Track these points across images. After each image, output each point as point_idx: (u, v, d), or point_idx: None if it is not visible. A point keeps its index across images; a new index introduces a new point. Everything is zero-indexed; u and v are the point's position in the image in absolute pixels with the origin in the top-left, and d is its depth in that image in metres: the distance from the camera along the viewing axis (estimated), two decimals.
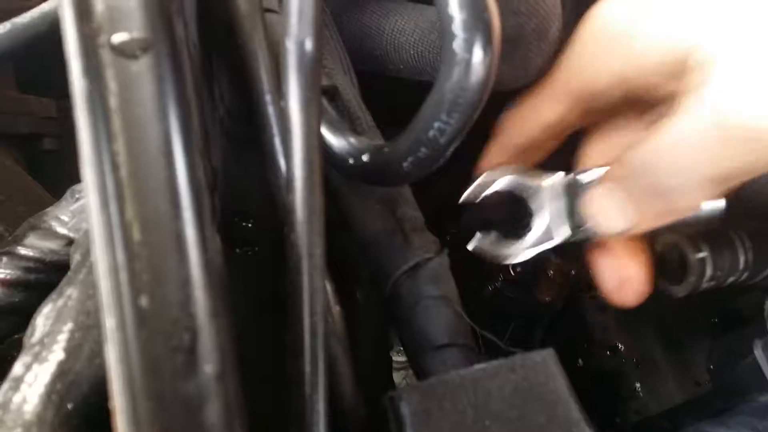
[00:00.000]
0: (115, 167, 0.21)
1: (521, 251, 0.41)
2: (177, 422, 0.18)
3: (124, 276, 0.20)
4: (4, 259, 0.41)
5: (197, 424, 0.19)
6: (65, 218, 0.40)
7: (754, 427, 0.37)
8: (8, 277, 0.40)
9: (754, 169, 0.32)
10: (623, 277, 0.41)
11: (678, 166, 0.34)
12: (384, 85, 0.48)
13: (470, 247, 0.41)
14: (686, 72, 0.34)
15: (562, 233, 0.40)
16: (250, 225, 0.42)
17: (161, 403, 0.18)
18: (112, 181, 0.21)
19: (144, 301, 0.19)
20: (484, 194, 0.41)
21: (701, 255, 0.42)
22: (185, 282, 0.20)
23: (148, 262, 0.20)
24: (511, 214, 0.42)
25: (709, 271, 0.42)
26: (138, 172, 0.21)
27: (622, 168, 0.36)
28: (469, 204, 0.41)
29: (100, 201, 0.20)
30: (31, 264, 0.40)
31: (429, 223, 0.41)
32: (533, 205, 0.40)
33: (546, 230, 0.40)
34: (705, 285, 0.44)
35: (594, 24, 0.38)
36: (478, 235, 0.41)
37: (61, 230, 0.40)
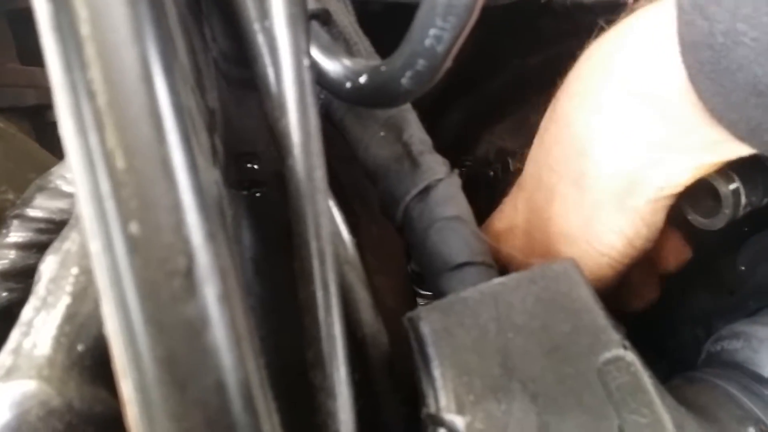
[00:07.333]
0: (91, 95, 0.20)
1: None
2: (179, 346, 0.18)
3: (110, 204, 0.19)
4: (15, 222, 0.40)
5: (201, 346, 0.18)
6: (70, 175, 0.40)
7: None
8: (21, 240, 0.40)
9: None
10: None
11: None
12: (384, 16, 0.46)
13: None
14: None
15: None
16: (256, 167, 0.41)
17: (161, 327, 0.18)
18: (89, 110, 0.20)
19: (134, 228, 0.19)
20: None
21: (733, 186, 0.39)
22: (176, 206, 0.19)
23: (135, 188, 0.19)
24: None
25: (743, 200, 0.39)
26: (117, 98, 0.20)
27: None
28: None
29: (77, 131, 0.20)
30: (42, 225, 0.40)
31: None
32: None
33: None
34: (742, 212, 0.41)
35: None
36: None
37: (68, 188, 0.40)
